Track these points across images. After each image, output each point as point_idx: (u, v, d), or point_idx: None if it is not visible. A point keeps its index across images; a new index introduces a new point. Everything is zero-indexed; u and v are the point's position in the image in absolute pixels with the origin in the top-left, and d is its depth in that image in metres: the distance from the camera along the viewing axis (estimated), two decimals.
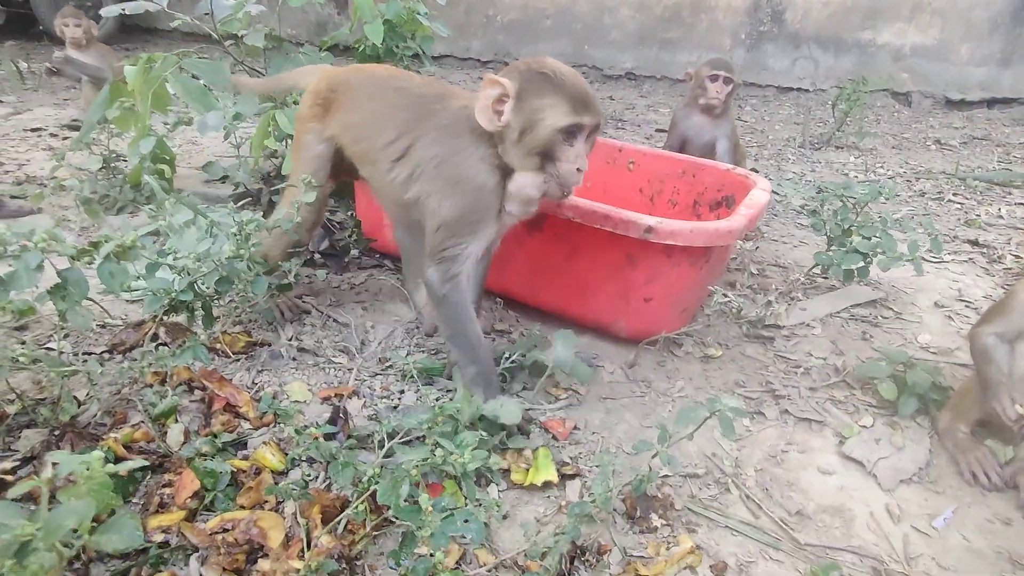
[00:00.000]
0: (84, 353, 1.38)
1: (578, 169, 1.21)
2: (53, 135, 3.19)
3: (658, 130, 4.12)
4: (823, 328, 1.87)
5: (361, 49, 2.09)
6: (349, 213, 2.05)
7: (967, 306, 2.06)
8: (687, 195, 2.28)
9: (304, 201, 1.41)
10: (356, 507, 1.01)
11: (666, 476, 1.23)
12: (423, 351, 1.58)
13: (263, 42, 2.03)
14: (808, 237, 2.56)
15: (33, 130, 3.25)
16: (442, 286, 1.29)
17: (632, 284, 1.60)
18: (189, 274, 1.26)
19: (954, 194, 3.22)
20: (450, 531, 0.71)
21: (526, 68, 1.20)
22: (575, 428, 1.36)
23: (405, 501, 0.79)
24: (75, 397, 1.22)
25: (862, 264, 1.94)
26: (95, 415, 1.20)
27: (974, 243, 2.59)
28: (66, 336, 1.43)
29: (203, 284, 1.29)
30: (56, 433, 1.14)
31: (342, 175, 1.60)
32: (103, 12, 2.80)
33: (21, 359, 1.08)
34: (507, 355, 1.42)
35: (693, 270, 1.62)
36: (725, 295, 1.59)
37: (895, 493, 1.26)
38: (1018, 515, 1.22)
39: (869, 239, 1.95)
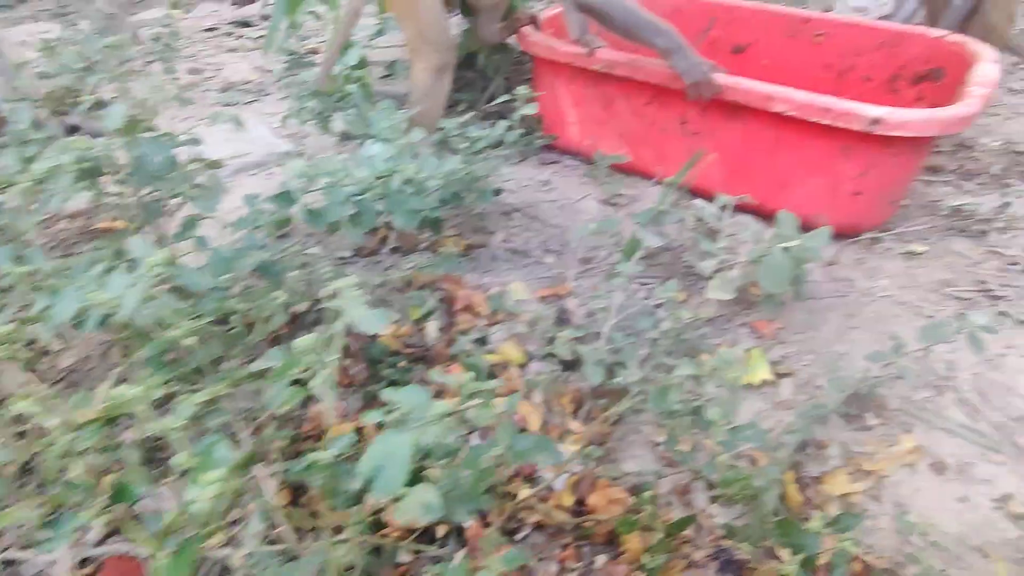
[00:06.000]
0: (339, 258, 1.60)
1: None
2: (227, 34, 3.40)
3: None
4: None
5: None
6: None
7: None
8: (884, 69, 2.08)
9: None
10: (604, 402, 1.18)
11: (878, 377, 1.29)
12: (620, 249, 1.67)
13: None
14: (1022, 105, 2.28)
15: (208, 30, 3.47)
16: None
17: (843, 177, 1.56)
18: (424, 192, 1.40)
19: None
20: (740, 439, 0.84)
21: None
22: (780, 328, 1.43)
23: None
24: None
25: None
26: None
27: None
28: (317, 243, 1.67)
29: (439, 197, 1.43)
30: None
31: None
32: None
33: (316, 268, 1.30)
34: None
35: (913, 160, 1.54)
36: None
37: None
38: None
39: None
